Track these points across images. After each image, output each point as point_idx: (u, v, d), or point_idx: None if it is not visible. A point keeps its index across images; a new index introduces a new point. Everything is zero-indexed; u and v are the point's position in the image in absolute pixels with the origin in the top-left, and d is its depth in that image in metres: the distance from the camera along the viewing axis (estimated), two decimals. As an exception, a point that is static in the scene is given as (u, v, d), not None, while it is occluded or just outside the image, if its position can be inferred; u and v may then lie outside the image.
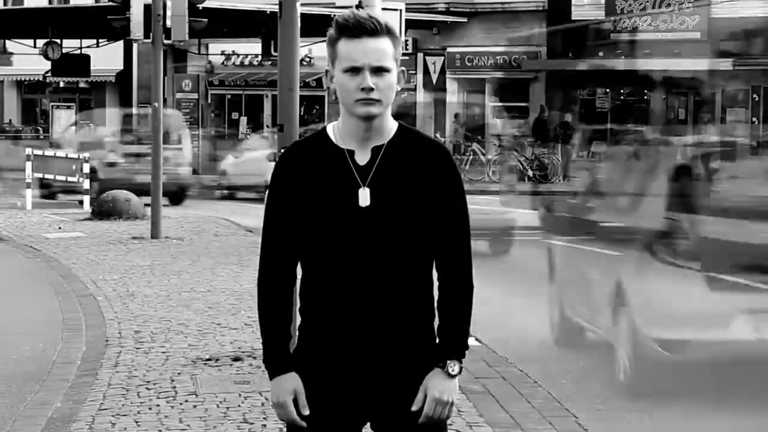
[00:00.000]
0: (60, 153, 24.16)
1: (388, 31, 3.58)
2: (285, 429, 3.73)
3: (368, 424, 3.69)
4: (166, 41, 16.34)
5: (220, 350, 8.90)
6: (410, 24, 26.76)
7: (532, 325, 10.79)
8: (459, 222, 3.64)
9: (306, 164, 3.62)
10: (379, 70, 3.55)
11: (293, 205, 3.60)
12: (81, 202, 21.88)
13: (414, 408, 3.58)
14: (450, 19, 35.03)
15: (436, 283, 3.70)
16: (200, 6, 17.17)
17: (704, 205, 8.42)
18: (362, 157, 3.61)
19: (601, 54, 32.91)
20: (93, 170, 22.42)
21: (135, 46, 32.50)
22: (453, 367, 3.60)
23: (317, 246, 3.59)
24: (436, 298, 3.69)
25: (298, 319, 3.70)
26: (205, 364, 8.43)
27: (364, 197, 3.57)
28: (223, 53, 38.51)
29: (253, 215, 17.17)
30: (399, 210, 3.57)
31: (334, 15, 3.69)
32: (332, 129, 3.67)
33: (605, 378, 8.62)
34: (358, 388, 3.60)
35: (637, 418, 7.67)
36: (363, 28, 3.55)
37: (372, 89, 3.54)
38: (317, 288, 3.61)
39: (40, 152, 24.18)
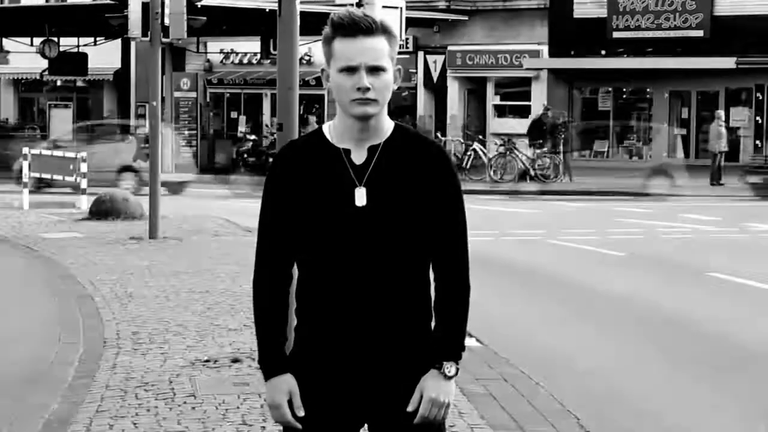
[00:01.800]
0: (57, 152, 24.10)
1: (383, 30, 3.54)
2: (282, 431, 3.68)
3: (365, 425, 3.65)
4: (164, 39, 16.27)
5: (219, 352, 8.85)
6: (411, 22, 26.74)
7: (533, 325, 10.72)
8: (456, 222, 3.60)
9: (302, 164, 3.59)
10: (375, 70, 3.52)
11: (289, 205, 3.57)
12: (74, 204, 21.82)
13: (410, 408, 3.55)
14: (450, 17, 35.00)
15: (432, 284, 3.66)
16: (199, 4, 17.15)
17: None
18: (358, 157, 3.58)
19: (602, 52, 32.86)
20: None
21: (132, 44, 32.54)
22: (449, 368, 3.57)
23: (314, 246, 3.56)
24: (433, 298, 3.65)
25: (294, 321, 3.66)
26: (203, 365, 8.38)
27: (361, 197, 3.54)
28: (221, 51, 38.49)
29: (251, 215, 17.13)
30: (395, 210, 3.54)
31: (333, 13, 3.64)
32: (328, 128, 3.64)
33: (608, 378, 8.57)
34: (355, 389, 3.57)
35: (639, 419, 7.61)
36: (358, 27, 3.51)
37: (368, 89, 3.51)
38: (314, 288, 3.57)
39: (37, 152, 24.13)
